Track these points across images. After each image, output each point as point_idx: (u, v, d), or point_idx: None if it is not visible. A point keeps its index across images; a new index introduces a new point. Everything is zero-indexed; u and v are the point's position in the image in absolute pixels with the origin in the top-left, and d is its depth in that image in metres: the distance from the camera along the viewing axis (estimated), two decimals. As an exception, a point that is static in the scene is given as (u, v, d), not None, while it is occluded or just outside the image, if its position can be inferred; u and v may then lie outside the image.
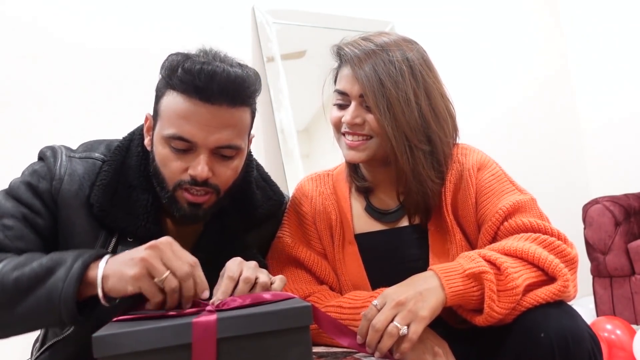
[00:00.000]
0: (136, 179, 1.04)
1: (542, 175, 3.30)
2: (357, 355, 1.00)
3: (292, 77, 2.45)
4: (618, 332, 2.23)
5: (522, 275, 0.94)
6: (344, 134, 1.14)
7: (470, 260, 0.96)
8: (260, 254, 1.18)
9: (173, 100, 0.97)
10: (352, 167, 1.22)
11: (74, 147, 1.11)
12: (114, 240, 1.02)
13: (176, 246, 0.84)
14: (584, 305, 2.85)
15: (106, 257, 0.86)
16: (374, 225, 1.20)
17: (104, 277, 0.83)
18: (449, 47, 3.02)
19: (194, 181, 0.98)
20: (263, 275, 0.92)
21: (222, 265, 0.97)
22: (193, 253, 0.99)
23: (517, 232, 1.04)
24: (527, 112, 3.40)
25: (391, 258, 1.16)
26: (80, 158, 1.05)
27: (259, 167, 1.22)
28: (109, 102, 2.02)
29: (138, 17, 2.15)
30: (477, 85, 3.16)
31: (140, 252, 0.82)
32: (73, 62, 1.98)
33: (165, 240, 0.84)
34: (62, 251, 0.90)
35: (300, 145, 2.43)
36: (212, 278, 0.97)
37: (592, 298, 2.81)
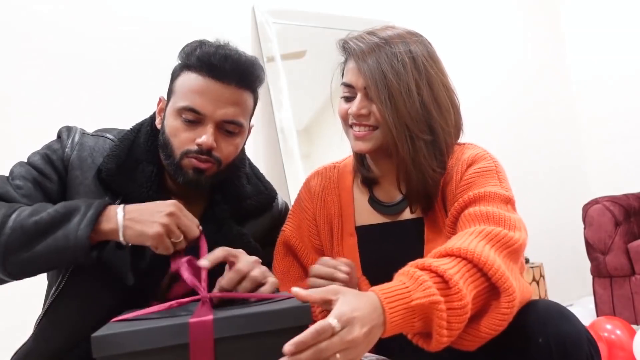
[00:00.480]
0: (143, 154, 1.15)
1: (542, 175, 3.31)
2: None
3: (292, 77, 2.45)
4: (618, 332, 2.23)
5: (468, 286, 0.87)
6: (351, 126, 1.16)
7: (418, 285, 0.85)
8: None
9: (188, 78, 1.09)
10: (359, 159, 1.24)
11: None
12: (117, 202, 1.09)
13: (184, 210, 1.01)
14: (584, 305, 2.86)
15: (120, 209, 0.98)
16: (375, 218, 1.21)
17: (124, 228, 0.97)
18: (449, 46, 3.02)
19: (200, 150, 1.08)
20: (271, 281, 0.98)
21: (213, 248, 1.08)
22: None
23: (474, 220, 1.01)
24: (527, 112, 3.41)
25: (388, 251, 1.17)
26: (93, 135, 1.17)
27: (252, 166, 1.29)
28: (107, 103, 2.02)
29: (137, 17, 2.15)
30: (476, 85, 3.16)
31: (161, 216, 0.97)
32: (71, 63, 1.98)
33: (177, 206, 1.00)
34: (72, 201, 1.02)
35: (300, 145, 2.43)
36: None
37: (592, 298, 2.81)
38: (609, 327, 2.26)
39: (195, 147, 1.08)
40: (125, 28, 2.11)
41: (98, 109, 2.00)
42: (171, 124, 1.10)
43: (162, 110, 1.16)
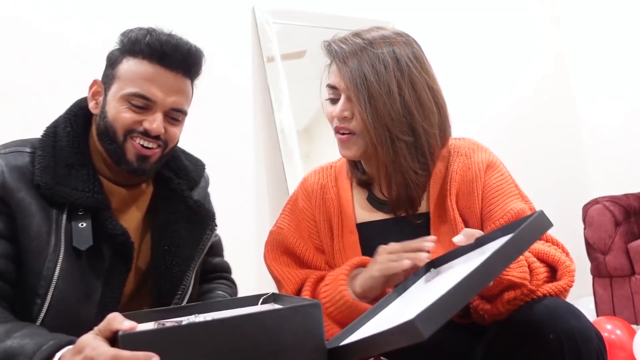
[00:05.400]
0: (72, 157, 1.12)
1: (542, 175, 3.30)
2: None
3: (292, 77, 2.45)
4: (618, 332, 2.23)
5: (545, 284, 1.01)
6: (336, 129, 1.16)
7: (519, 266, 0.98)
8: None
9: (135, 65, 1.11)
10: (352, 162, 1.24)
11: None
12: (64, 216, 1.08)
13: (98, 346, 0.80)
14: (584, 305, 2.85)
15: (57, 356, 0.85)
16: (376, 215, 1.21)
17: None
18: (449, 47, 3.02)
19: (146, 133, 1.10)
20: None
21: (175, 226, 1.17)
22: (147, 217, 1.20)
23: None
24: (527, 112, 3.40)
25: None
26: (7, 153, 1.11)
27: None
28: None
29: (137, 17, 2.15)
30: (476, 84, 3.16)
31: None
32: (66, 62, 1.98)
33: (88, 345, 0.80)
34: (20, 337, 0.90)
35: (300, 145, 2.43)
36: (167, 239, 1.17)
37: (592, 298, 2.81)
38: (609, 327, 2.26)
39: (141, 129, 1.10)
40: (124, 28, 2.10)
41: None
42: (116, 108, 1.10)
43: (98, 94, 1.15)
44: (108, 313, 1.00)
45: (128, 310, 1.02)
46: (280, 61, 2.45)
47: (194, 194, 1.26)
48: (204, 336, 0.76)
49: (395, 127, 1.09)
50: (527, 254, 1.02)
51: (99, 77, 1.18)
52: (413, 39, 1.18)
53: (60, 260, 1.05)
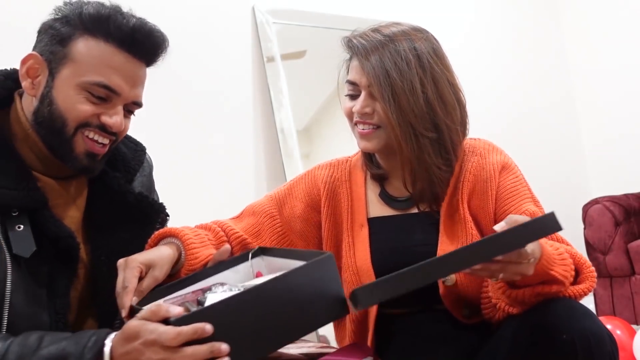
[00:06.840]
0: None
1: (542, 175, 3.30)
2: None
3: (292, 77, 2.45)
4: (618, 332, 2.23)
5: (571, 286, 1.02)
6: (356, 124, 1.17)
7: (563, 264, 0.98)
8: None
9: (98, 48, 0.97)
10: (368, 156, 1.24)
11: None
12: None
13: (156, 327, 0.77)
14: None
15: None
16: (387, 211, 1.21)
17: None
18: (449, 47, 3.01)
19: (102, 127, 0.98)
20: None
21: (114, 230, 1.04)
22: (85, 220, 1.07)
23: None
24: (527, 112, 3.41)
25: (400, 241, 1.17)
26: None
27: None
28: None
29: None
30: (476, 85, 3.16)
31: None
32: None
33: (144, 329, 0.78)
34: (58, 338, 0.84)
35: (300, 145, 2.42)
36: (105, 247, 1.05)
37: (592, 298, 2.81)
38: (609, 327, 2.25)
39: (97, 122, 0.97)
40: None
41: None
42: (69, 95, 0.96)
43: (35, 72, 0.98)
44: (62, 321, 0.95)
45: (84, 315, 1.02)
46: (280, 61, 2.45)
47: (136, 186, 1.13)
48: (245, 306, 0.79)
49: (419, 123, 1.10)
50: (565, 254, 1.01)
51: (29, 49, 1.00)
52: (432, 35, 1.18)
53: (9, 271, 0.91)
